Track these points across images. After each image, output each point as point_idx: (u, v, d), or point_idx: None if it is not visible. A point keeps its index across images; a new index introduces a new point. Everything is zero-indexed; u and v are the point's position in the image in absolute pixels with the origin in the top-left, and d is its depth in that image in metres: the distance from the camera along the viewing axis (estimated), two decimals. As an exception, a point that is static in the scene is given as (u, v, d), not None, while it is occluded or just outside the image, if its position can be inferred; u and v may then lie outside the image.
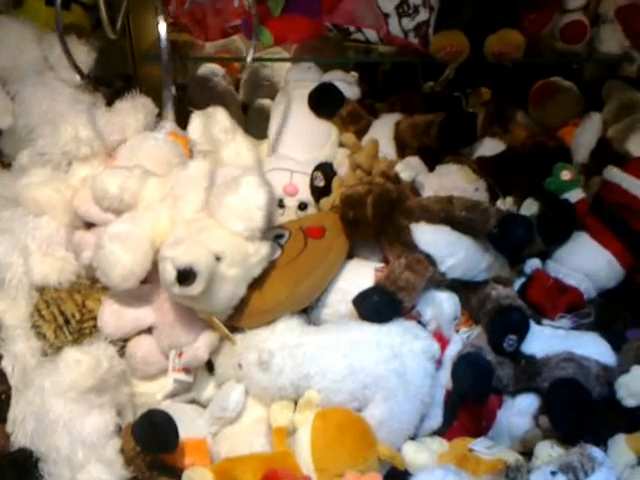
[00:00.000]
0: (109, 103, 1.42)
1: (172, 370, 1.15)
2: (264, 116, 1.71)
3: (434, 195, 1.24)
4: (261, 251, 1.11)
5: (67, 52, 1.30)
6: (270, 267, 1.15)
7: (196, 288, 1.04)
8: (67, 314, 1.18)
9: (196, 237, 1.07)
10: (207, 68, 1.83)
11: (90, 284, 1.24)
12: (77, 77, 1.42)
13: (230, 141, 1.25)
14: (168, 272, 1.04)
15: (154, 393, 1.18)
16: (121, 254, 1.08)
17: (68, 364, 1.05)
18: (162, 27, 1.14)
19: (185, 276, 1.03)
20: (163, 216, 1.13)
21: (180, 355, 1.14)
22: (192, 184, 1.13)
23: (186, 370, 1.15)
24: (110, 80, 1.61)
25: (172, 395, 1.17)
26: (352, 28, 1.42)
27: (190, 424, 1.11)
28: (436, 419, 1.11)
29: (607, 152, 1.28)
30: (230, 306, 1.11)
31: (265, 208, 1.08)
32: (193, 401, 1.19)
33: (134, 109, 1.41)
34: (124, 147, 1.38)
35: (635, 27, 1.31)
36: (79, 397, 1.04)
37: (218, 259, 1.06)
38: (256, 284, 1.13)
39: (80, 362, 1.05)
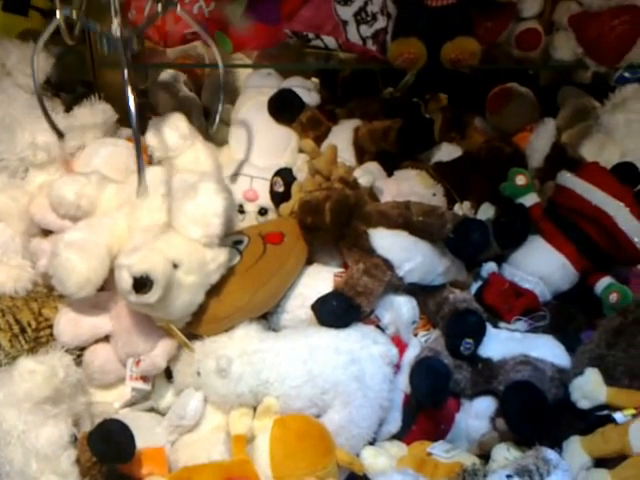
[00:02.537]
0: (70, 109, 1.41)
1: (130, 379, 1.14)
2: (225, 122, 1.71)
3: (392, 200, 1.25)
4: (219, 258, 1.10)
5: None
6: (229, 273, 1.15)
7: (153, 296, 1.02)
8: (23, 323, 1.17)
9: (153, 244, 1.06)
10: (168, 74, 1.82)
11: (47, 292, 1.23)
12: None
13: (189, 147, 1.24)
14: (124, 280, 1.02)
15: (112, 402, 1.16)
16: (77, 262, 1.07)
17: (22, 374, 1.03)
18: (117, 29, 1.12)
19: (141, 284, 1.01)
20: (120, 223, 1.12)
21: (138, 363, 1.13)
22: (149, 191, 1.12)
23: (144, 378, 1.14)
24: (71, 86, 1.59)
25: (130, 404, 1.16)
26: (311, 35, 1.41)
27: (148, 433, 1.11)
28: (395, 423, 1.12)
29: (561, 157, 1.30)
30: (188, 313, 1.11)
31: (223, 215, 1.08)
32: (152, 409, 1.18)
33: (93, 115, 1.40)
34: (83, 153, 1.38)
35: (587, 35, 1.33)
36: (34, 408, 1.02)
37: (175, 266, 1.05)
38: (214, 291, 1.12)
39: (35, 372, 1.03)
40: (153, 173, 1.15)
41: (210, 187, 1.08)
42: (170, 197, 1.11)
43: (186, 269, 1.06)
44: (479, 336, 1.12)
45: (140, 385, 1.14)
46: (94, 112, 1.41)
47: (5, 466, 1.00)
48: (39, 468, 0.99)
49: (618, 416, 0.99)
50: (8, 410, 1.02)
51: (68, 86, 1.56)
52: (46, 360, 1.05)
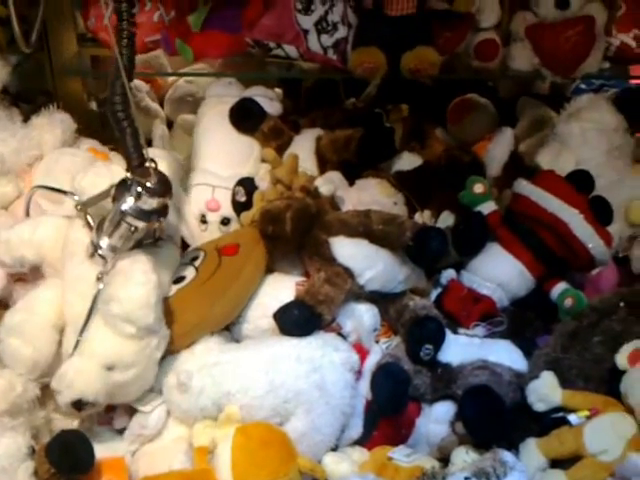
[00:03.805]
0: (29, 118, 1.40)
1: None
2: (187, 132, 1.71)
3: (353, 209, 1.26)
4: (155, 338, 1.05)
5: None
6: (185, 289, 1.15)
7: (96, 408, 1.03)
8: None
9: (83, 348, 1.02)
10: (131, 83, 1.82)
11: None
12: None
13: None
14: (62, 402, 1.01)
15: (72, 417, 1.12)
16: (20, 347, 1.05)
17: (-20, 387, 1.04)
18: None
19: (79, 405, 1.01)
20: (59, 293, 1.10)
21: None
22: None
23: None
24: (30, 95, 1.58)
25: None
26: (272, 44, 1.43)
27: (109, 442, 1.10)
28: (356, 429, 1.12)
29: (518, 166, 1.32)
30: (148, 386, 1.09)
31: (155, 304, 1.02)
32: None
33: (51, 125, 1.39)
34: (41, 163, 1.37)
35: (543, 45, 1.36)
36: (-8, 420, 1.02)
37: (110, 369, 1.02)
38: (172, 309, 1.11)
39: None
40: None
41: (138, 278, 1.01)
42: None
43: (123, 368, 1.03)
44: (438, 342, 1.14)
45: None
46: (52, 122, 1.40)
47: None
48: None
49: (573, 418, 1.01)
50: None
51: (27, 95, 1.55)
52: (4, 374, 1.05)
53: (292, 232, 1.17)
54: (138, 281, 1.00)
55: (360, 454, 1.11)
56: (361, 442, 1.13)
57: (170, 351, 1.10)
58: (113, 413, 1.11)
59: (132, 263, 1.02)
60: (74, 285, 1.08)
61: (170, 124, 1.83)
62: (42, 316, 1.08)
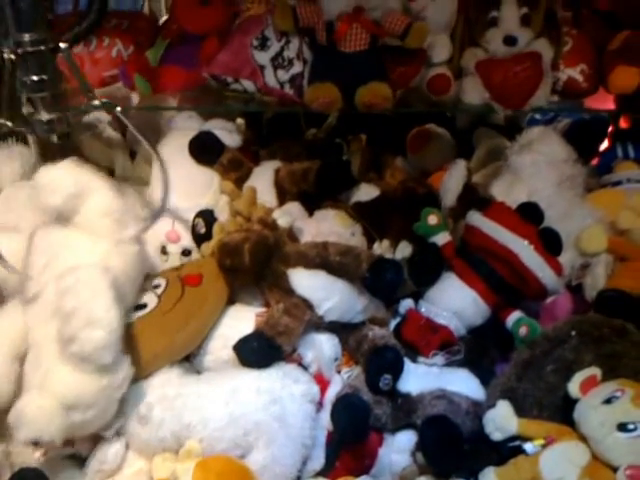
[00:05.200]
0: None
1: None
2: (149, 163, 1.72)
3: (311, 240, 1.28)
4: (118, 376, 1.04)
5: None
6: (147, 318, 1.15)
7: (52, 447, 1.02)
8: None
9: (43, 386, 1.00)
10: (91, 115, 1.82)
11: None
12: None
13: (82, 205, 1.12)
14: (18, 439, 0.99)
15: (32, 452, 1.10)
16: None
17: None
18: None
19: (37, 444, 0.99)
20: (18, 321, 1.08)
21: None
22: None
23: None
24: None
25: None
26: (230, 79, 1.44)
27: (68, 478, 1.09)
28: (318, 460, 1.13)
29: (472, 197, 1.34)
30: (110, 418, 1.07)
31: (115, 343, 1.00)
32: (73, 455, 1.14)
33: (9, 158, 1.39)
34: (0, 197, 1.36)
35: (493, 80, 1.39)
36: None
37: (69, 408, 1.00)
38: (133, 337, 1.11)
39: None
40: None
41: (100, 319, 0.98)
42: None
43: (82, 408, 1.01)
44: (397, 372, 1.15)
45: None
46: (11, 155, 1.39)
47: None
48: None
49: (528, 446, 1.02)
50: None
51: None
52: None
53: (250, 264, 1.18)
54: (100, 324, 0.98)
55: (321, 486, 1.11)
56: (324, 473, 1.13)
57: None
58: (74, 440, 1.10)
59: (93, 298, 1.00)
60: (35, 309, 1.07)
61: (132, 154, 1.82)
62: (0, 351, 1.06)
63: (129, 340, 1.10)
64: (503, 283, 1.20)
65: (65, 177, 1.09)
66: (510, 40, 1.38)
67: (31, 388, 1.02)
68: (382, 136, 1.72)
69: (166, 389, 1.11)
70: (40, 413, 0.98)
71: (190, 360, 1.20)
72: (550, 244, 1.20)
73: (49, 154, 1.48)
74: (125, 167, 1.80)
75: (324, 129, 1.77)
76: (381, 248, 1.35)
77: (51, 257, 1.09)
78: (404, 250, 1.33)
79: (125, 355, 1.05)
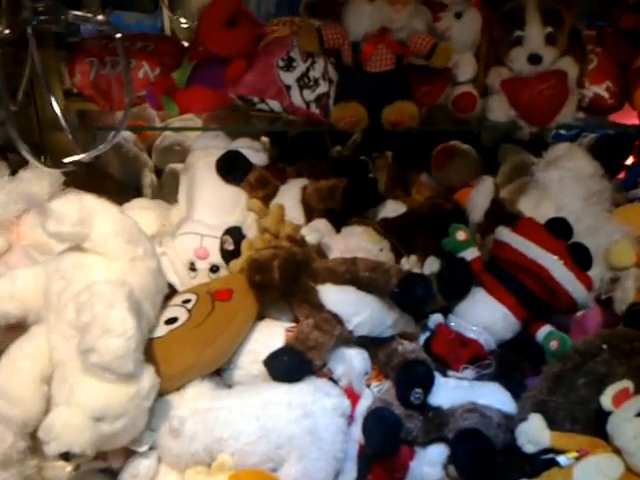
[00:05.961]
0: (16, 172, 1.42)
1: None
2: (176, 180, 1.74)
3: (339, 257, 1.29)
4: (143, 386, 1.04)
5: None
6: (177, 331, 1.15)
7: (83, 459, 1.02)
8: None
9: (70, 400, 1.01)
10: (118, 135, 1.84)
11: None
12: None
13: (90, 231, 1.12)
14: (49, 453, 1.00)
15: (63, 466, 1.11)
16: (9, 410, 1.05)
17: (-31, 440, 1.03)
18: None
19: (68, 457, 1.00)
20: (42, 344, 1.09)
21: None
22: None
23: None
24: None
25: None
26: (256, 99, 1.47)
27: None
28: (350, 473, 1.13)
29: (500, 212, 1.35)
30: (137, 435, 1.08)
31: (134, 351, 1.00)
32: (105, 470, 1.14)
33: (39, 178, 1.41)
34: (28, 216, 1.38)
35: (519, 98, 1.41)
36: (-18, 472, 1.02)
37: (99, 420, 1.01)
38: (163, 350, 1.12)
39: None
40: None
41: (116, 329, 0.99)
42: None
43: (111, 418, 1.02)
44: (428, 385, 1.15)
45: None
46: (39, 175, 1.41)
47: None
48: None
49: (562, 459, 1.03)
50: None
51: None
52: (-6, 426, 1.04)
53: (280, 281, 1.19)
54: (116, 332, 0.99)
55: (355, 498, 1.11)
56: (356, 486, 1.13)
57: (160, 392, 1.09)
58: (106, 453, 1.10)
59: (109, 309, 1.01)
60: (57, 330, 1.08)
61: (158, 172, 1.85)
62: (26, 373, 1.06)
63: (159, 353, 1.11)
64: (533, 298, 1.21)
65: (68, 206, 1.11)
66: (535, 59, 1.40)
67: (59, 404, 1.03)
68: (407, 153, 1.73)
69: (198, 403, 1.12)
70: (69, 426, 0.99)
71: (220, 374, 1.21)
72: (580, 259, 1.20)
73: (76, 175, 1.52)
74: (152, 185, 1.82)
75: (348, 147, 1.79)
76: (409, 263, 1.36)
77: (68, 281, 1.11)
78: (432, 265, 1.34)
79: (149, 365, 1.06)
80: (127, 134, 1.85)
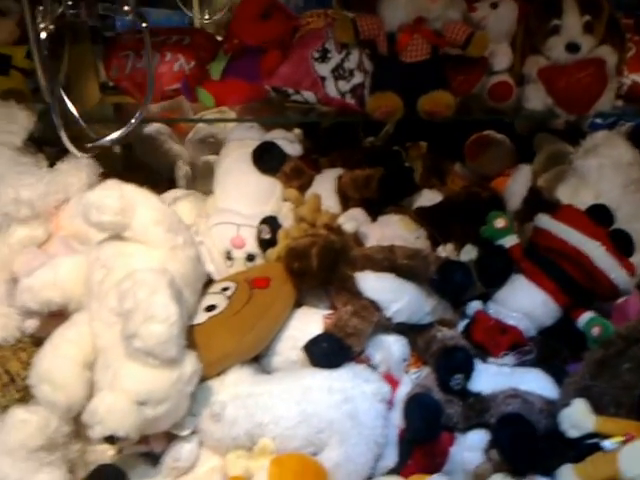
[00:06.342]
0: (54, 163, 1.43)
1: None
2: (211, 172, 1.75)
3: (376, 245, 1.29)
4: (186, 371, 1.05)
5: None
6: (217, 318, 1.16)
7: (127, 443, 1.03)
8: (12, 372, 1.16)
9: (114, 385, 1.02)
10: (152, 127, 1.86)
11: (34, 342, 1.21)
12: (17, 140, 1.43)
13: (130, 220, 1.13)
14: (94, 437, 1.01)
15: (106, 449, 1.13)
16: (53, 394, 1.05)
17: (15, 424, 1.04)
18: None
19: (112, 441, 1.01)
20: (85, 330, 1.10)
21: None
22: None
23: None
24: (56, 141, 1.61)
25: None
26: (291, 90, 1.47)
27: (143, 476, 1.10)
28: (391, 458, 1.13)
29: (538, 200, 1.35)
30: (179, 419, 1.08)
31: (177, 337, 1.01)
32: (146, 454, 1.15)
33: (76, 168, 1.42)
34: (67, 206, 1.39)
35: (556, 86, 1.41)
36: (28, 455, 1.02)
37: (142, 404, 1.02)
38: (203, 336, 1.13)
39: (27, 422, 1.04)
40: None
41: (159, 314, 1.00)
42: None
43: (154, 403, 1.02)
44: (468, 371, 1.15)
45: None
46: (77, 166, 1.43)
47: None
48: None
49: (606, 444, 1.02)
50: (2, 459, 1.02)
51: (52, 140, 1.58)
52: (38, 411, 1.05)
53: (318, 268, 1.19)
54: (159, 318, 1.00)
55: (396, 483, 1.11)
56: (396, 471, 1.13)
57: (200, 378, 1.10)
58: (149, 437, 1.10)
59: (151, 295, 1.02)
60: (99, 317, 1.09)
61: (192, 165, 1.86)
62: (70, 359, 1.07)
63: (200, 340, 1.12)
64: (574, 284, 1.21)
65: (110, 196, 1.12)
66: (573, 47, 1.40)
67: (102, 389, 1.04)
68: (439, 144, 1.73)
69: (238, 388, 1.12)
70: (113, 410, 1.00)
71: (258, 361, 1.21)
72: (622, 245, 1.20)
73: (113, 166, 1.53)
74: (186, 177, 1.83)
75: (381, 137, 1.79)
76: (445, 252, 1.36)
77: (110, 269, 1.12)
78: (469, 254, 1.33)
79: (190, 351, 1.07)
80: (161, 127, 1.86)
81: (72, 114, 1.19)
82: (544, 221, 1.25)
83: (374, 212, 1.43)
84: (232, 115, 1.78)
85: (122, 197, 1.12)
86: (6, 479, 1.00)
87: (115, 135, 1.18)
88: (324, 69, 1.46)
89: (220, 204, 1.47)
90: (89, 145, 1.26)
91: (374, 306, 1.19)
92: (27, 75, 1.55)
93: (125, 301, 1.02)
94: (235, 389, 1.12)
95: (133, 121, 1.20)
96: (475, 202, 1.38)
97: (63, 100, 1.52)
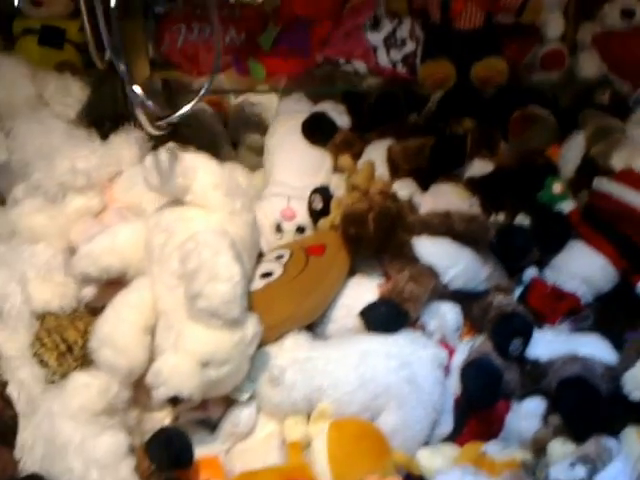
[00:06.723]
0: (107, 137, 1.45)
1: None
2: (253, 151, 1.76)
3: (432, 211, 1.28)
4: (247, 333, 1.05)
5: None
6: (274, 285, 1.17)
7: (189, 405, 1.04)
8: (69, 341, 1.16)
9: (177, 346, 1.03)
10: (196, 105, 1.86)
11: (91, 311, 1.22)
12: (71, 112, 1.45)
13: (191, 183, 1.15)
14: (157, 398, 1.02)
15: (162, 418, 1.15)
16: (115, 358, 1.06)
17: (77, 388, 1.06)
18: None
19: (174, 402, 1.02)
20: (146, 295, 1.11)
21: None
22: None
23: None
24: (101, 121, 1.62)
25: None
26: (342, 60, 1.47)
27: (201, 442, 1.10)
28: (447, 425, 1.13)
29: (592, 168, 1.34)
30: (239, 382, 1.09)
31: (240, 297, 1.02)
32: (203, 421, 1.16)
33: (129, 142, 1.44)
34: (121, 179, 1.41)
35: (612, 53, 1.40)
36: (90, 419, 1.04)
37: (205, 365, 1.02)
38: (261, 302, 1.13)
39: (89, 385, 1.06)
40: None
41: (223, 274, 1.01)
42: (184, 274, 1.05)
43: (217, 364, 1.03)
44: (526, 336, 1.15)
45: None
46: (129, 139, 1.44)
47: (65, 476, 1.00)
48: (100, 476, 0.99)
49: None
50: (64, 422, 1.03)
51: (105, 116, 1.60)
52: (100, 375, 1.07)
53: (375, 233, 1.19)
54: (223, 277, 1.01)
55: (452, 450, 1.10)
56: (451, 438, 1.13)
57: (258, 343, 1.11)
58: (207, 403, 1.11)
59: (215, 256, 1.02)
60: (161, 280, 1.11)
61: (234, 145, 1.86)
62: (131, 323, 1.08)
63: (258, 305, 1.12)
64: (633, 247, 1.20)
65: (170, 160, 1.13)
66: (629, 13, 1.39)
67: (165, 351, 1.05)
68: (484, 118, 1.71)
69: (297, 353, 1.13)
70: (177, 370, 1.01)
71: (313, 329, 1.21)
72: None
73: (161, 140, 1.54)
74: (227, 156, 1.84)
75: (424, 114, 1.77)
76: (497, 221, 1.35)
77: (171, 233, 1.13)
78: (522, 222, 1.32)
79: (252, 313, 1.08)
80: (204, 106, 1.87)
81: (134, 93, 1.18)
82: (603, 184, 1.24)
83: (425, 183, 1.42)
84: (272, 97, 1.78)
85: (183, 161, 1.13)
86: (70, 441, 1.01)
87: (184, 110, 1.17)
88: (376, 38, 1.47)
89: (270, 177, 1.48)
90: (161, 122, 1.26)
91: (431, 272, 1.19)
92: (80, 49, 1.56)
93: (188, 262, 1.03)
94: (293, 354, 1.13)
95: (203, 92, 1.18)
96: (530, 169, 1.37)
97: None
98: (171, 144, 1.17)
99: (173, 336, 1.05)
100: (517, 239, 1.16)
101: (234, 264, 1.03)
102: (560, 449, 1.03)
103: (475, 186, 1.38)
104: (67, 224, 1.33)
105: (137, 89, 1.14)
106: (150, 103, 1.17)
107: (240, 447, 1.12)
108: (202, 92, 1.19)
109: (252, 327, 1.06)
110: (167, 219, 1.16)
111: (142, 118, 1.23)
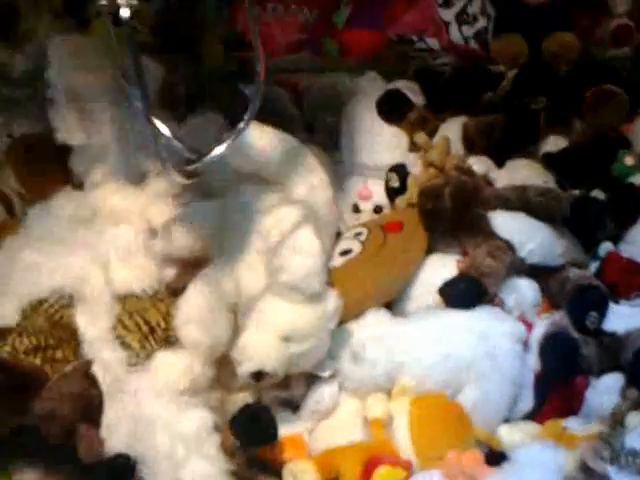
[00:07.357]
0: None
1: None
2: (329, 133, 1.77)
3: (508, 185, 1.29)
4: (328, 307, 1.06)
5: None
6: (353, 261, 1.19)
7: (273, 380, 1.06)
8: (152, 323, 1.15)
9: (260, 322, 1.05)
10: (272, 92, 1.87)
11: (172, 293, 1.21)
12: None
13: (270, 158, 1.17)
14: (242, 373, 1.04)
15: (245, 398, 1.15)
16: (199, 336, 1.07)
17: (162, 366, 1.08)
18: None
19: (258, 377, 1.04)
20: (227, 273, 1.12)
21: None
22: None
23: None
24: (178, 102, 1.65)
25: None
26: (415, 37, 1.48)
27: (285, 421, 1.11)
28: (527, 402, 1.13)
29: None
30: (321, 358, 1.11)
31: (321, 271, 1.04)
32: (285, 402, 1.16)
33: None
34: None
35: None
36: (174, 398, 1.06)
37: (287, 340, 1.04)
38: (341, 278, 1.15)
39: (174, 364, 1.08)
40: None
41: (304, 247, 1.03)
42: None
43: (299, 339, 1.04)
44: (603, 309, 1.14)
45: None
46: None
47: (151, 453, 1.01)
48: (186, 452, 1.01)
49: None
50: (150, 400, 1.05)
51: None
52: (184, 353, 1.08)
53: (452, 207, 1.20)
54: (305, 251, 1.02)
55: (532, 427, 1.11)
56: (531, 416, 1.13)
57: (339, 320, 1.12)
58: (290, 381, 1.13)
59: (296, 230, 1.04)
60: (242, 258, 1.12)
61: (309, 128, 1.87)
62: (215, 300, 1.10)
63: (338, 281, 1.13)
64: None
65: (250, 136, 1.13)
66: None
67: (249, 327, 1.07)
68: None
69: (377, 329, 1.14)
70: (261, 346, 1.03)
71: (392, 307, 1.22)
72: None
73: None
74: (302, 139, 1.84)
75: (499, 93, 1.75)
76: (572, 196, 1.34)
77: (248, 211, 1.15)
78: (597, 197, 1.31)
79: (332, 288, 1.09)
80: (281, 91, 1.86)
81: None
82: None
83: (500, 159, 1.42)
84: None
85: (261, 137, 1.15)
86: (158, 419, 1.03)
87: (217, 151, 1.10)
88: (448, 14, 1.48)
89: (346, 158, 1.50)
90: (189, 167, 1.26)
91: (508, 246, 1.19)
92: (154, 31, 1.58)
93: (270, 236, 1.06)
94: (374, 330, 1.14)
95: (242, 126, 1.02)
96: (603, 142, 1.36)
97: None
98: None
99: (255, 313, 1.07)
100: (591, 210, 1.15)
101: (315, 238, 1.04)
102: (637, 420, 1.03)
103: (550, 163, 1.37)
104: (146, 205, 1.31)
105: (162, 127, 0.93)
106: (177, 143, 0.97)
107: (323, 426, 1.13)
108: (241, 126, 1.01)
109: (332, 302, 1.07)
110: (245, 197, 1.18)
111: (166, 163, 1.00)
